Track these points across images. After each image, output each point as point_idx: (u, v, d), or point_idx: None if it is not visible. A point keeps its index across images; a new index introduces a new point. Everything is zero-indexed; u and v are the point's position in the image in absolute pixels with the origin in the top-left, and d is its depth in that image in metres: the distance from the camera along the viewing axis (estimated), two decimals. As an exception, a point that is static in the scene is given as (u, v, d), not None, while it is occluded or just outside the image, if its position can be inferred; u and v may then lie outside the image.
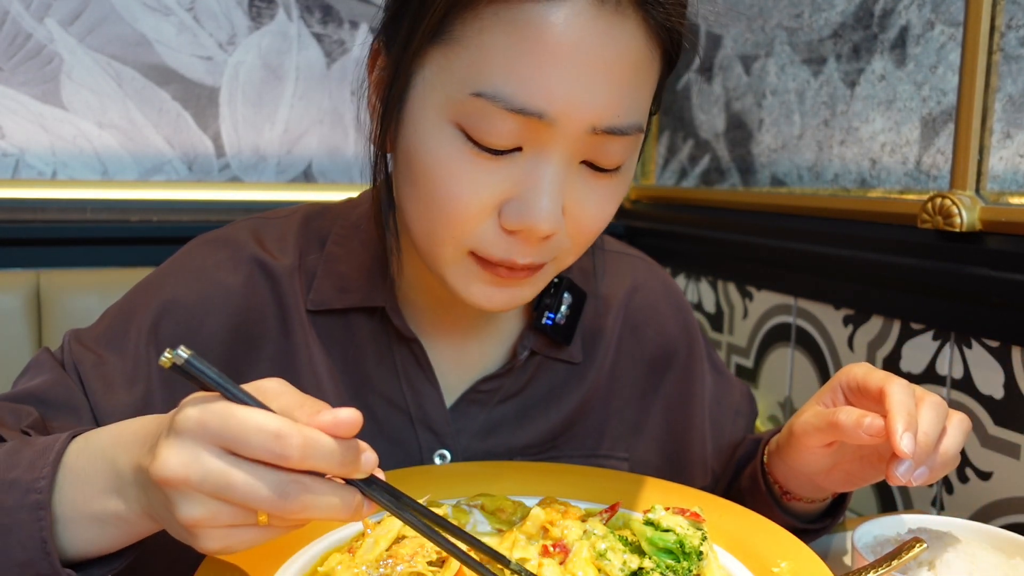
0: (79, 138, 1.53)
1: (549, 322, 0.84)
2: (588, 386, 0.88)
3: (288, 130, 1.68)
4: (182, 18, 1.57)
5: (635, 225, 1.87)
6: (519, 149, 0.64)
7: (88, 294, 1.36)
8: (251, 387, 0.52)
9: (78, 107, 1.52)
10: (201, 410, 0.49)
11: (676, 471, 0.93)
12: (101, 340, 0.77)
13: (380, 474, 0.54)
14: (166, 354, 0.49)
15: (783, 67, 1.45)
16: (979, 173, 1.08)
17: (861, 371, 0.73)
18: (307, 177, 1.72)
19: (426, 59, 0.65)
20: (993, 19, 1.05)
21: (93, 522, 0.56)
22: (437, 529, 0.55)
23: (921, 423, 0.65)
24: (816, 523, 0.85)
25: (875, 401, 0.70)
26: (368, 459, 0.51)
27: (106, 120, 1.54)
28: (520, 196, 0.64)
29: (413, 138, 0.66)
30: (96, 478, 0.56)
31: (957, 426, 0.68)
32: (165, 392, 0.75)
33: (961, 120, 1.08)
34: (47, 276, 1.37)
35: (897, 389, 0.67)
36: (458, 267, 0.69)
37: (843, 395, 0.75)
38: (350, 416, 0.50)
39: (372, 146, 0.72)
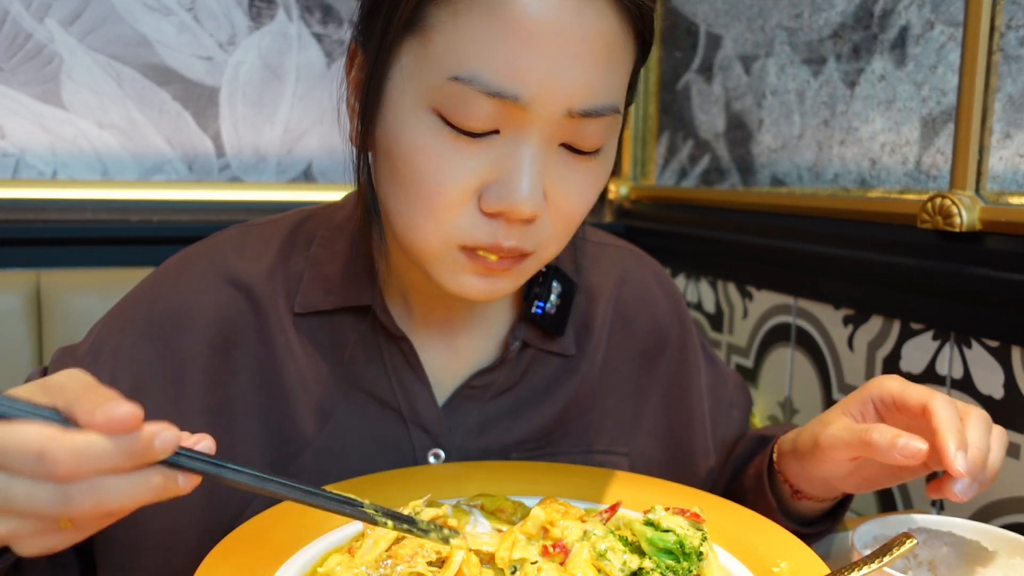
0: (79, 138, 1.53)
1: (539, 311, 0.83)
2: (580, 379, 0.87)
3: (288, 130, 1.68)
4: (182, 18, 1.57)
5: (635, 225, 1.87)
6: (497, 132, 0.65)
7: (88, 294, 1.36)
8: (38, 385, 0.52)
9: (78, 107, 1.52)
10: None
11: (679, 463, 0.92)
12: (87, 358, 0.78)
13: (205, 444, 0.53)
14: None
15: (783, 67, 1.45)
16: (979, 173, 1.08)
17: (897, 386, 0.72)
18: (307, 177, 1.72)
19: (402, 50, 0.66)
20: (993, 19, 1.05)
21: None
22: (271, 478, 0.54)
23: (971, 439, 0.65)
24: (817, 526, 0.85)
25: (913, 417, 0.70)
26: (165, 439, 0.49)
27: (106, 120, 1.55)
28: (500, 179, 0.65)
29: (392, 129, 0.67)
30: None
31: (999, 439, 0.69)
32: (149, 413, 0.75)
33: (961, 120, 1.09)
34: (47, 276, 1.37)
35: (942, 406, 0.67)
36: (447, 261, 0.69)
37: (874, 409, 0.74)
38: (125, 413, 0.48)
39: (353, 147, 0.73)
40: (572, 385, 0.86)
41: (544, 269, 0.85)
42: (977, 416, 0.68)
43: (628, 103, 0.73)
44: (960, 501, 0.65)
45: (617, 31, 0.65)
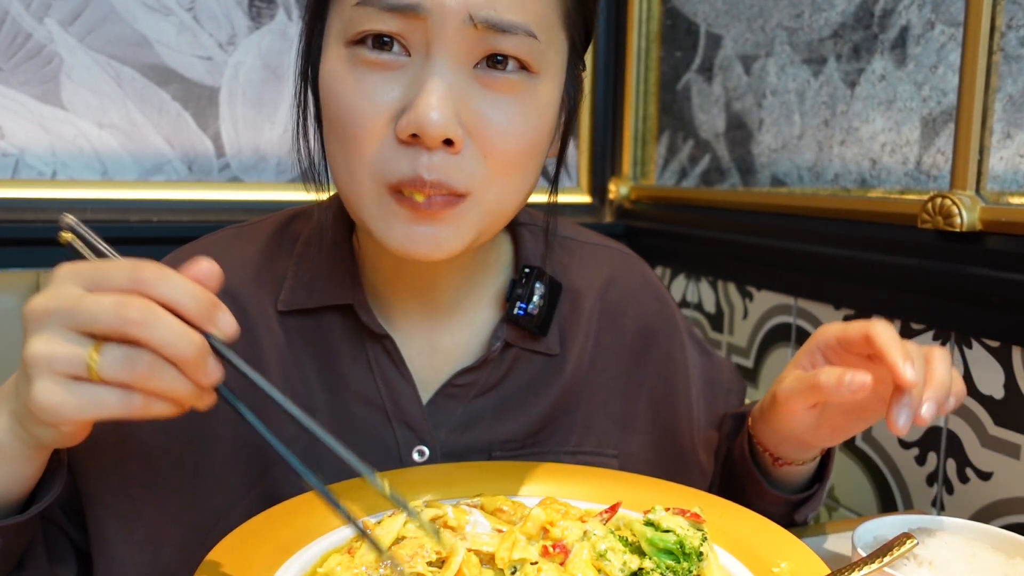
0: (79, 138, 1.53)
1: (521, 312, 0.83)
2: (567, 379, 0.87)
3: (288, 130, 1.68)
4: (182, 18, 1.57)
5: (635, 225, 1.87)
6: (408, 56, 0.67)
7: (88, 294, 1.36)
8: None
9: (78, 107, 1.52)
10: (76, 263, 0.55)
11: (669, 465, 0.93)
12: None
13: (249, 372, 0.57)
14: (64, 233, 0.57)
15: (783, 67, 1.45)
16: (979, 173, 1.08)
17: (837, 327, 0.75)
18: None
19: (328, 11, 0.70)
20: (993, 19, 1.05)
21: None
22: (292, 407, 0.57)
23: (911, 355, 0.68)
24: (807, 491, 0.88)
25: (858, 355, 0.73)
26: (226, 319, 0.55)
27: (106, 120, 1.54)
28: (411, 102, 0.66)
29: (322, 77, 0.70)
30: None
31: (940, 355, 0.71)
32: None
33: (961, 120, 1.09)
34: (47, 276, 1.36)
35: (882, 329, 0.70)
36: (378, 207, 0.69)
37: (822, 356, 0.77)
38: (208, 264, 0.56)
39: (300, 116, 0.76)
40: (557, 385, 0.87)
41: (527, 270, 0.85)
42: (914, 345, 0.71)
43: (574, 51, 0.75)
44: (917, 423, 0.67)
45: None
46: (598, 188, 1.96)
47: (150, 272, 0.53)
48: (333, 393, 0.81)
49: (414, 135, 0.65)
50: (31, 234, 1.44)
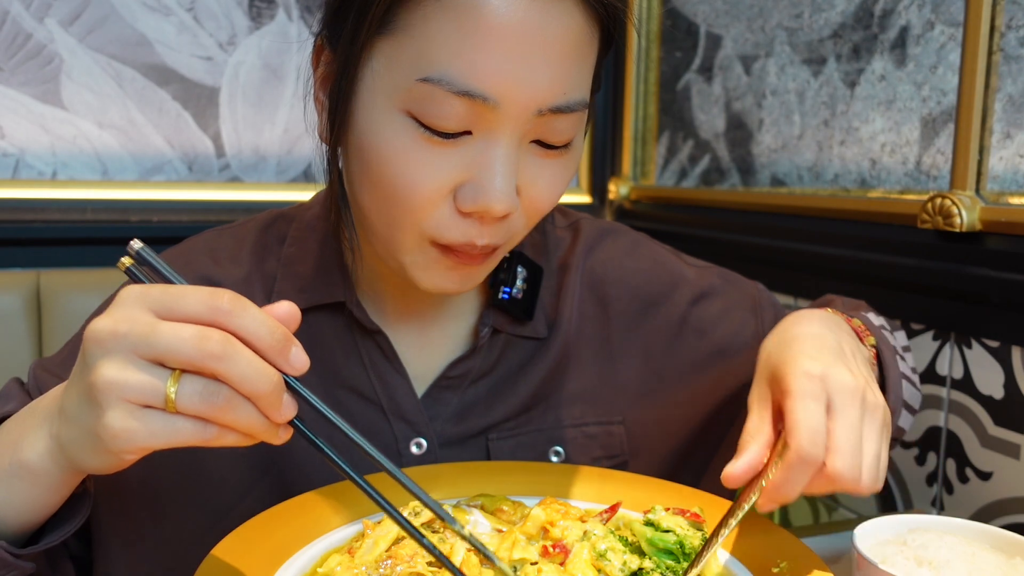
0: (79, 138, 1.53)
1: (506, 296, 0.84)
2: (555, 354, 0.87)
3: (288, 130, 1.68)
4: (182, 18, 1.57)
5: (635, 225, 1.86)
6: (469, 133, 0.66)
7: (88, 294, 1.36)
8: None
9: (78, 107, 1.52)
10: (144, 286, 0.53)
11: (676, 423, 0.91)
12: (65, 364, 0.78)
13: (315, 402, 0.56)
14: (126, 258, 0.55)
15: (783, 67, 1.45)
16: (979, 173, 1.08)
17: (788, 402, 0.63)
18: (307, 177, 1.72)
19: (373, 51, 0.67)
20: (993, 19, 1.05)
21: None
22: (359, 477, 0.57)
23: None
24: None
25: None
26: (299, 355, 0.53)
27: (106, 120, 1.54)
28: (474, 179, 0.66)
29: (365, 129, 0.68)
30: (9, 435, 0.59)
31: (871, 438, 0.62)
32: None
33: (961, 120, 1.08)
34: (47, 276, 1.37)
35: (796, 455, 0.60)
36: (418, 255, 0.71)
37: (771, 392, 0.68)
38: (288, 305, 0.54)
39: (323, 143, 0.74)
40: (546, 362, 0.87)
41: (508, 255, 0.85)
42: (843, 426, 0.60)
43: (594, 92, 0.75)
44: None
45: (584, 29, 0.66)
46: (598, 188, 1.96)
47: (228, 302, 0.51)
48: (327, 391, 0.81)
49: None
50: (31, 234, 1.44)
